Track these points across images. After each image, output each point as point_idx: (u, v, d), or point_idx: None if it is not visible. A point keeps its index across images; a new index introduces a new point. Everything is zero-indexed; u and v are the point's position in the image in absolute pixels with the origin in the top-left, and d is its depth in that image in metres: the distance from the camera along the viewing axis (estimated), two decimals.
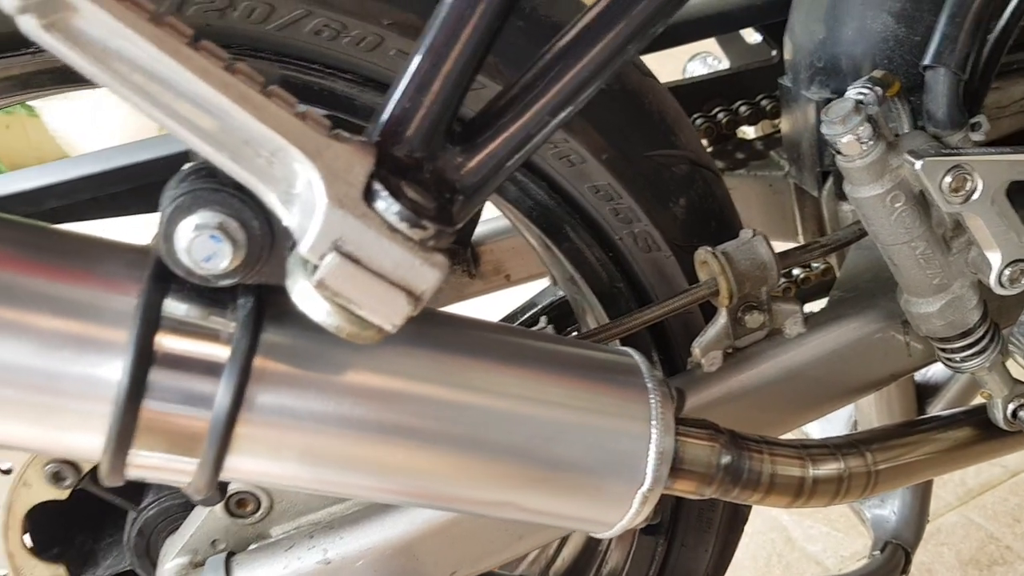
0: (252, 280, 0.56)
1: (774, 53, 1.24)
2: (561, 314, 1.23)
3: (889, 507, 1.12)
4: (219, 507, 0.86)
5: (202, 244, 0.53)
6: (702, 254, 0.82)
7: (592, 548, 1.19)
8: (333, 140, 0.50)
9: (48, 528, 0.95)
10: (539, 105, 0.58)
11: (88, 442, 0.56)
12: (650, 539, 1.07)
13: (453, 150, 0.56)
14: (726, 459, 0.70)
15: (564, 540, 1.25)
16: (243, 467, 0.59)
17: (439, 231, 0.50)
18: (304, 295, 0.51)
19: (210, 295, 0.57)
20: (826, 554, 1.82)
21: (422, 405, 0.60)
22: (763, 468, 0.72)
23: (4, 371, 0.53)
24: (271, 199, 0.52)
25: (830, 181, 1.00)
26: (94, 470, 0.90)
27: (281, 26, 0.73)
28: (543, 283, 1.34)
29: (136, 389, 0.54)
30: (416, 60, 0.56)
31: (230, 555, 0.84)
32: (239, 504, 0.87)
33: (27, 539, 0.93)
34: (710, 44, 1.40)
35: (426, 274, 0.50)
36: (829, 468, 0.76)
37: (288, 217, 0.52)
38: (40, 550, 0.94)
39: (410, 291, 0.50)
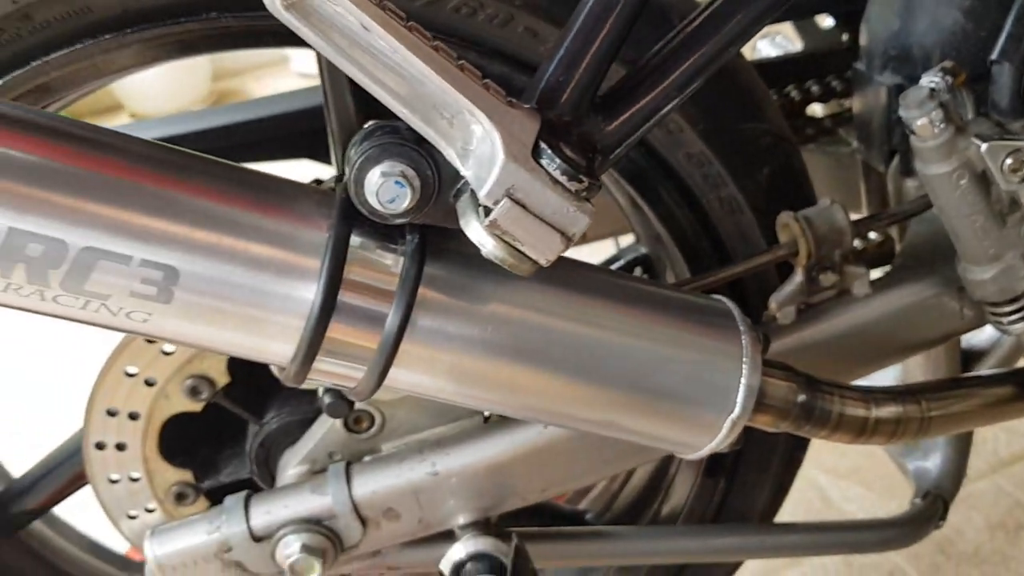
0: (419, 221, 0.67)
1: (845, 38, 1.32)
2: (645, 271, 1.33)
3: (931, 460, 1.21)
4: (338, 422, 0.98)
5: (388, 188, 0.64)
6: (784, 218, 0.92)
7: (654, 486, 1.30)
8: (509, 106, 0.60)
9: (176, 438, 1.07)
10: (668, 81, 0.68)
11: (282, 349, 0.67)
12: (711, 480, 1.17)
13: (596, 117, 0.66)
14: (802, 398, 0.81)
15: (628, 477, 1.36)
16: (402, 378, 0.70)
17: (591, 184, 0.60)
18: (477, 232, 0.61)
19: (385, 232, 0.68)
20: (862, 514, 1.93)
21: (550, 334, 0.71)
22: (833, 408, 0.82)
23: (221, 286, 0.64)
24: (450, 153, 0.62)
25: (896, 159, 1.09)
26: (226, 386, 1.01)
27: (428, 3, 0.83)
28: (611, 243, 1.44)
29: (327, 308, 0.65)
30: (568, 39, 0.65)
31: (349, 464, 0.95)
32: (356, 421, 0.98)
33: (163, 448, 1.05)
34: (782, 25, 1.48)
35: (578, 219, 0.61)
36: (889, 411, 0.86)
37: (464, 170, 0.62)
38: (172, 458, 1.06)
39: (564, 232, 0.61)
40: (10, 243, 0.59)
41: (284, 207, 0.66)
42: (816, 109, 1.34)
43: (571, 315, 0.72)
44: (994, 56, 0.85)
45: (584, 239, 1.37)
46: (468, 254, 0.69)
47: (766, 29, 1.49)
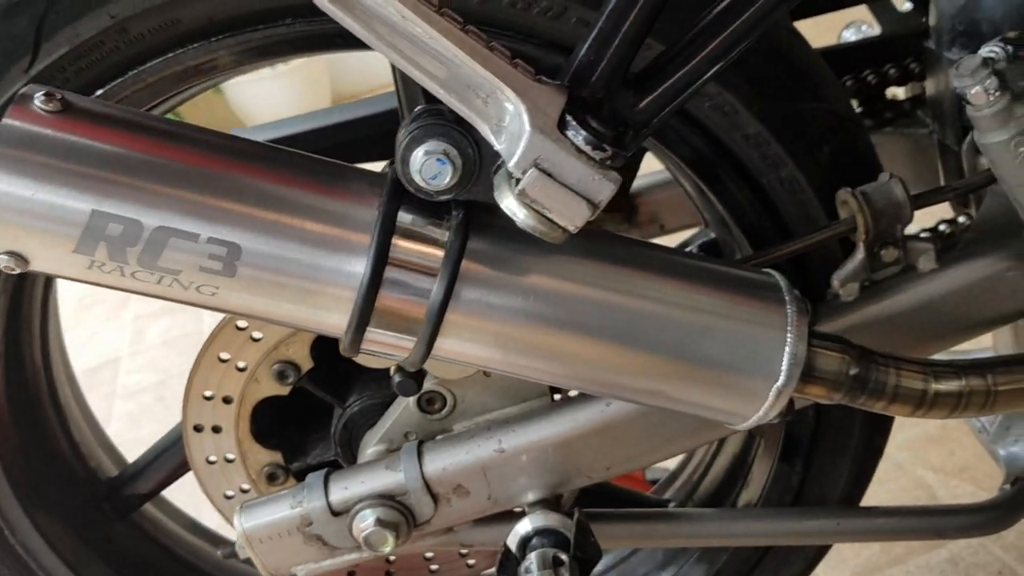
0: (463, 197, 0.71)
1: (924, 20, 1.30)
2: (712, 254, 1.34)
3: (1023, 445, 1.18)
4: (412, 403, 1.03)
5: (431, 165, 0.68)
6: (842, 194, 0.92)
7: (734, 474, 1.30)
8: (536, 82, 0.64)
9: (267, 422, 1.14)
10: (697, 59, 0.70)
11: (336, 320, 0.72)
12: (787, 466, 1.17)
13: (627, 93, 0.69)
14: (855, 369, 0.81)
15: (708, 466, 1.37)
16: (449, 348, 0.74)
17: (615, 153, 0.63)
18: (509, 202, 0.65)
19: (431, 209, 0.72)
20: None
21: (594, 305, 0.74)
22: (888, 379, 0.82)
23: (279, 261, 0.69)
24: (484, 130, 0.66)
25: (970, 136, 1.07)
26: (312, 371, 1.08)
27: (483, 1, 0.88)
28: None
29: (375, 281, 0.70)
30: (601, 20, 0.69)
31: (421, 443, 1.00)
32: (428, 402, 1.03)
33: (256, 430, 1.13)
34: (864, 13, 1.47)
35: (603, 186, 0.64)
36: (950, 384, 0.85)
37: (497, 144, 0.66)
38: (264, 441, 1.13)
39: (590, 200, 0.64)
40: (93, 224, 0.66)
41: (337, 188, 0.72)
42: (897, 93, 1.33)
43: (612, 285, 0.75)
44: None
45: (664, 229, 1.40)
46: (511, 229, 0.73)
47: (850, 16, 1.48)
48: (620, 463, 0.99)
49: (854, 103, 1.30)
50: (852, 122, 0.98)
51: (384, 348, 0.75)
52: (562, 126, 0.63)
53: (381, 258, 0.70)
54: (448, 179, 0.68)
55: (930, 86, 1.14)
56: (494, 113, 0.66)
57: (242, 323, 1.05)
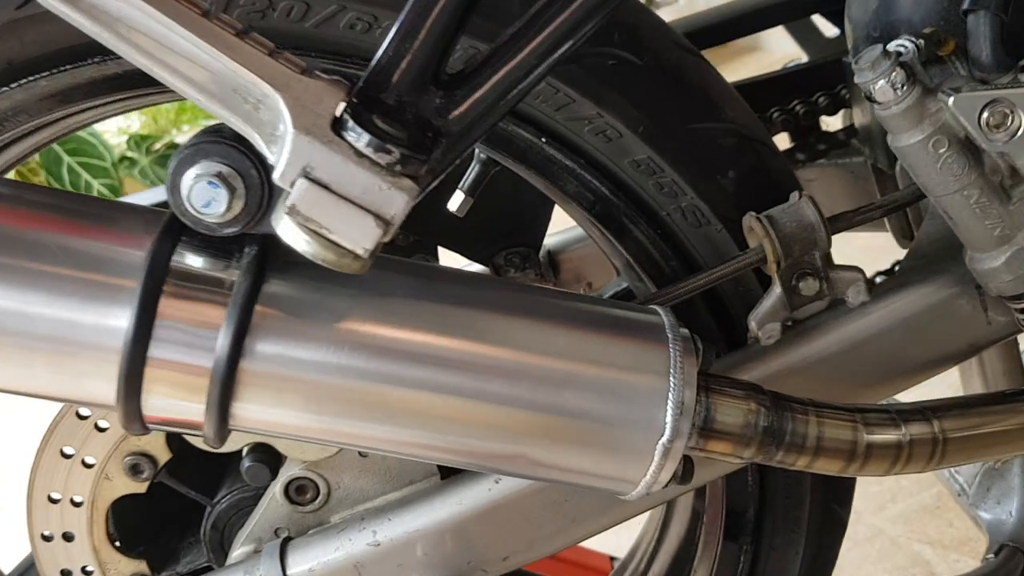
0: (256, 230, 0.59)
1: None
2: None
3: (1006, 508, 1.02)
4: (280, 495, 0.88)
5: (200, 191, 0.56)
6: (747, 220, 0.80)
7: (682, 557, 1.15)
8: (303, 76, 0.52)
9: (133, 526, 0.99)
10: (516, 60, 0.58)
11: (102, 389, 0.59)
12: (734, 544, 1.02)
13: (436, 95, 0.57)
14: (765, 419, 0.67)
15: (654, 552, 1.21)
16: (250, 415, 0.61)
17: (405, 156, 0.51)
18: (284, 225, 0.53)
19: (219, 247, 0.60)
20: None
21: (426, 354, 0.61)
22: (807, 430, 0.68)
23: (21, 319, 0.56)
24: (257, 140, 0.54)
25: None
26: (171, 463, 0.94)
27: (317, 23, 0.77)
28: None
29: (142, 336, 0.57)
30: (403, 15, 0.57)
31: (287, 540, 0.85)
32: (298, 491, 0.89)
33: (114, 536, 0.98)
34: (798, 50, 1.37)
35: (394, 198, 0.51)
36: (887, 433, 0.71)
37: (271, 156, 0.54)
38: (126, 547, 0.98)
39: (378, 215, 0.51)
40: None
41: (103, 227, 0.59)
42: (830, 123, 1.21)
43: (445, 328, 0.62)
44: (965, 5, 0.72)
45: (592, 287, 1.26)
46: (321, 268, 0.61)
47: (788, 56, 1.38)
48: (520, 551, 0.84)
49: (784, 136, 1.19)
50: (759, 142, 0.86)
51: (172, 420, 0.61)
52: (338, 127, 0.51)
53: (148, 308, 0.57)
54: (225, 206, 0.56)
55: (856, 109, 1.02)
56: (267, 119, 0.54)
57: (84, 411, 0.91)
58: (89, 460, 0.93)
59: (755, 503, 0.99)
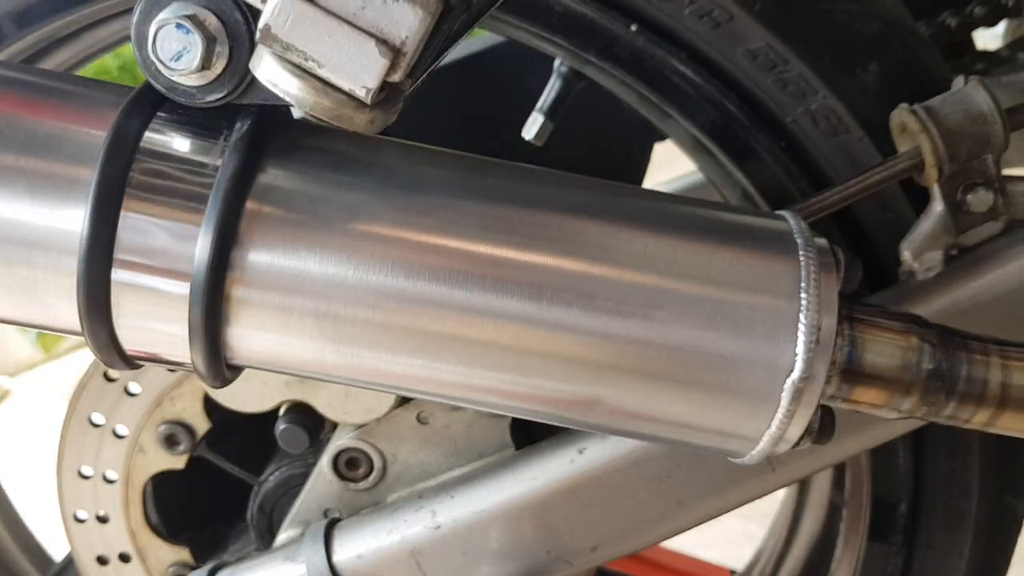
0: (251, 100, 0.45)
1: None
2: None
3: None
4: (329, 471, 0.75)
5: (168, 38, 0.43)
6: (898, 114, 0.62)
7: (815, 562, 0.96)
8: None
9: (177, 509, 0.88)
10: None
11: (65, 311, 0.46)
12: (882, 545, 0.83)
13: None
14: (931, 359, 0.50)
15: (782, 556, 1.03)
16: (250, 345, 0.47)
17: None
18: (264, 64, 0.39)
19: (204, 123, 0.46)
20: None
21: (472, 266, 0.46)
22: (990, 375, 0.51)
23: None
24: None
25: None
26: (211, 433, 0.82)
27: None
28: None
29: (101, 238, 0.44)
30: None
31: (334, 522, 0.72)
32: (349, 465, 0.75)
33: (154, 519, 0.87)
34: None
35: (403, 14, 0.36)
36: None
37: None
38: (169, 533, 0.87)
39: (383, 38, 0.37)
40: None
41: (60, 103, 0.47)
42: (988, 41, 1.01)
43: (497, 232, 0.46)
44: None
45: None
46: (337, 151, 0.47)
47: None
48: (611, 540, 0.68)
49: None
50: (908, 31, 0.68)
51: (158, 356, 0.48)
52: None
53: (107, 203, 0.44)
54: (198, 59, 0.43)
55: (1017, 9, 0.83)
56: None
57: (113, 373, 0.80)
58: (121, 430, 0.82)
59: (908, 493, 0.80)
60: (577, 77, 0.83)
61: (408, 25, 0.37)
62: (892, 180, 0.62)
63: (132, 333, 0.47)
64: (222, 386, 0.50)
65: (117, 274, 0.45)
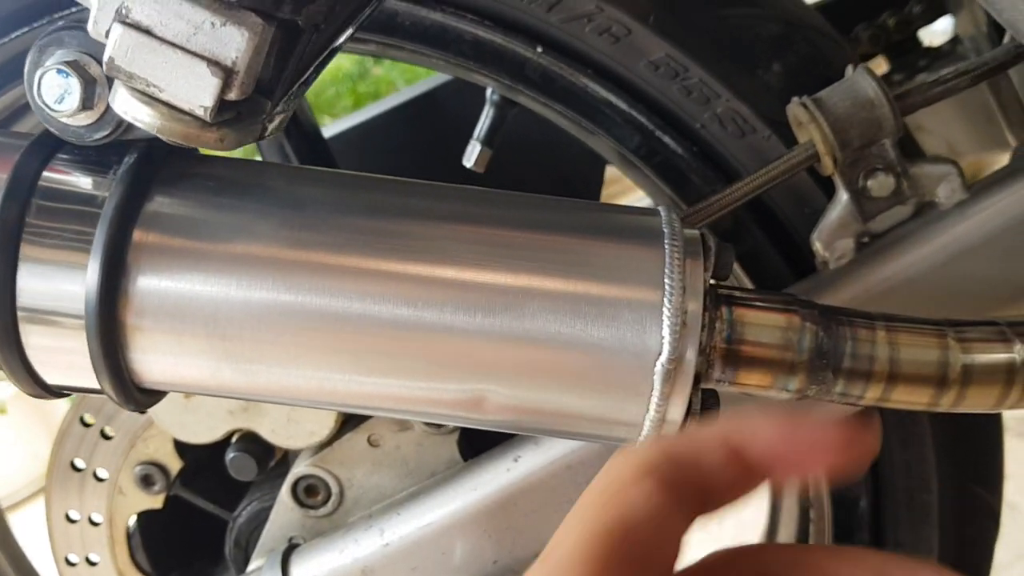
0: (133, 135, 0.49)
1: None
2: None
3: None
4: (288, 498, 0.77)
5: (50, 83, 0.47)
6: (790, 110, 0.64)
7: None
8: None
9: (161, 548, 0.91)
10: None
11: None
12: (848, 544, 0.83)
13: None
14: (813, 337, 0.51)
15: None
16: (154, 368, 0.50)
17: None
18: (119, 96, 0.42)
19: (97, 161, 0.50)
20: None
21: (349, 277, 0.48)
22: (876, 351, 0.51)
23: None
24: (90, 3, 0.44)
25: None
26: (183, 472, 0.85)
27: None
28: None
29: (4, 275, 0.47)
30: None
31: (291, 547, 0.74)
32: (308, 492, 0.77)
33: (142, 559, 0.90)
34: None
35: (231, 36, 0.39)
36: (992, 352, 0.53)
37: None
38: (157, 573, 0.90)
39: (213, 59, 0.40)
40: None
41: None
42: (929, 39, 1.02)
43: (373, 244, 0.49)
44: None
45: None
46: (221, 176, 0.50)
47: None
48: None
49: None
50: (812, 28, 0.70)
51: (74, 386, 0.52)
52: None
53: (8, 240, 0.47)
54: (78, 101, 0.47)
55: (963, 12, 0.84)
56: None
57: (88, 417, 0.84)
58: (101, 473, 0.85)
59: (867, 489, 0.80)
60: (509, 104, 0.86)
61: (236, 46, 0.40)
62: (791, 173, 0.63)
63: (46, 366, 0.50)
64: (138, 410, 0.53)
65: (22, 312, 0.48)
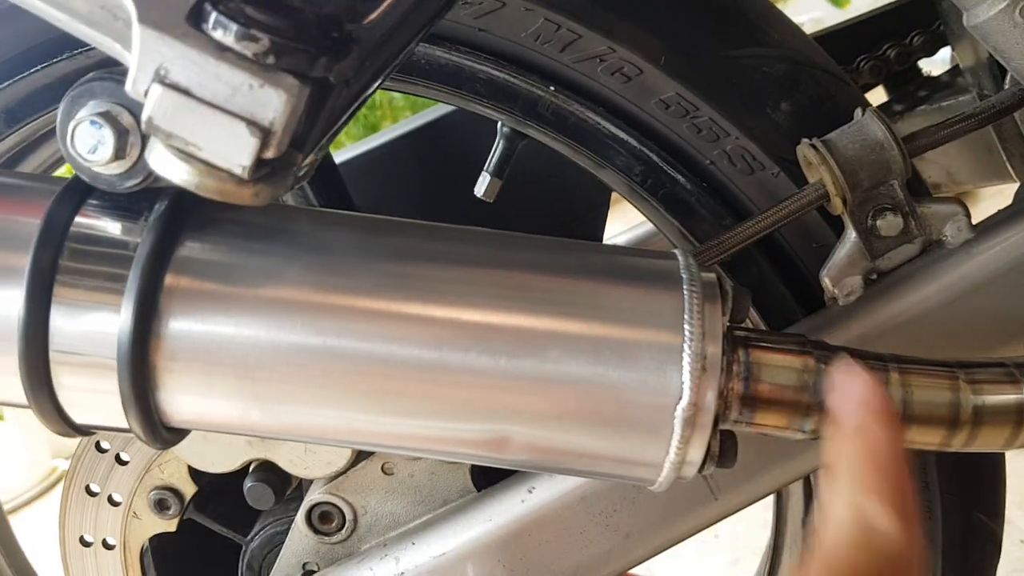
0: (164, 183, 0.50)
1: None
2: None
3: None
4: (304, 526, 0.78)
5: (84, 134, 0.48)
6: (801, 151, 0.65)
7: None
8: None
9: (169, 569, 0.92)
10: None
11: (14, 386, 0.50)
12: None
13: None
14: (826, 378, 0.52)
15: None
16: (182, 407, 0.51)
17: (278, 45, 0.40)
18: (156, 153, 0.43)
19: (128, 207, 0.51)
20: None
21: (376, 321, 0.50)
22: (889, 391, 0.53)
23: None
24: (125, 57, 0.45)
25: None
26: (197, 497, 0.86)
27: None
28: None
29: (36, 317, 0.48)
30: None
31: (308, 575, 0.75)
32: (322, 519, 0.78)
33: None
34: None
35: (268, 97, 0.41)
36: (1003, 394, 0.54)
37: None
38: None
39: (252, 120, 0.41)
40: None
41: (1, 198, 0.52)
42: (929, 69, 1.04)
43: (400, 288, 0.50)
44: None
45: None
46: (250, 221, 0.51)
47: None
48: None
49: (879, 89, 1.02)
50: (819, 68, 0.72)
51: (103, 424, 0.53)
52: (196, 18, 0.41)
53: (40, 284, 0.48)
54: (111, 151, 0.48)
55: (962, 44, 0.86)
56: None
57: (104, 443, 0.85)
58: (116, 497, 0.86)
59: None
60: (519, 136, 0.87)
61: (274, 107, 0.41)
62: (801, 212, 0.65)
63: (75, 406, 0.51)
64: (164, 448, 0.55)
65: (54, 354, 0.49)
